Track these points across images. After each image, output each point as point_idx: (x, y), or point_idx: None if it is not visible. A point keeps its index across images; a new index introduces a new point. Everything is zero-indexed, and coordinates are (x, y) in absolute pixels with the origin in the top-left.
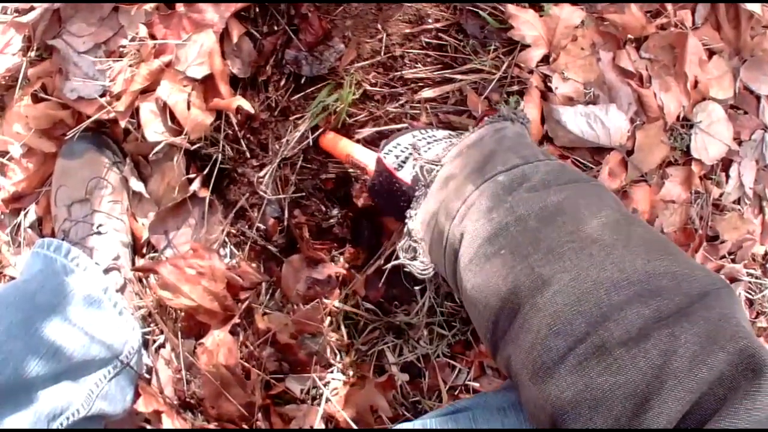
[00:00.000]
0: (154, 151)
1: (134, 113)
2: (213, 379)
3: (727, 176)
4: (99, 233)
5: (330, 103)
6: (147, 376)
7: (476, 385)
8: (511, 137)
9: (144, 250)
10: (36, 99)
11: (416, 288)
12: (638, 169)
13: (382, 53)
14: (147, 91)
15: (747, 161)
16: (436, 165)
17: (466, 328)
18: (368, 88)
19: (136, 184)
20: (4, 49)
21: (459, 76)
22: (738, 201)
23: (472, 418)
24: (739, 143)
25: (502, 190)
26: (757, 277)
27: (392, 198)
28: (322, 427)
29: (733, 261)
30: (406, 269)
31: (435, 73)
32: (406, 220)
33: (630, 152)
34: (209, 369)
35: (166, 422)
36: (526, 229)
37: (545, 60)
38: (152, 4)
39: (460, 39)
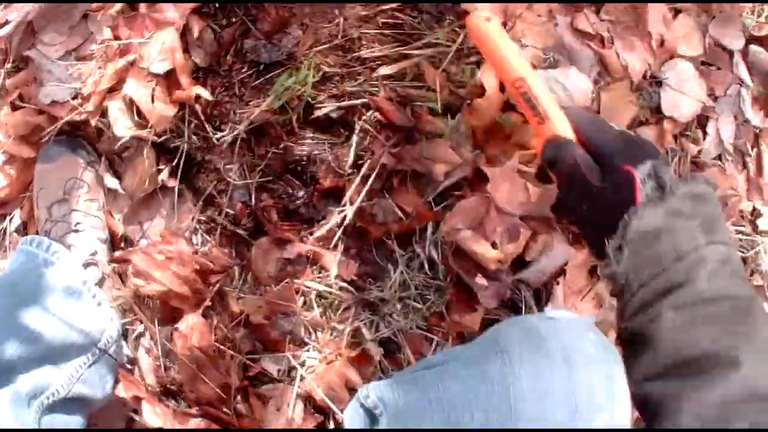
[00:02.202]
0: (118, 144)
1: (104, 112)
2: (188, 362)
3: (705, 133)
4: (77, 231)
5: (291, 85)
6: (129, 366)
7: None
8: (721, 211)
9: (122, 245)
10: (14, 107)
11: (389, 264)
12: None
13: (340, 36)
14: (115, 90)
15: (724, 117)
16: (670, 182)
17: (440, 300)
18: (327, 69)
19: (111, 181)
20: None
21: (415, 52)
22: (719, 158)
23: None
24: (715, 99)
25: (720, 262)
26: (747, 234)
27: (577, 185)
28: (300, 405)
29: None
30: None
31: (392, 50)
32: (632, 217)
33: (597, 112)
34: (184, 353)
35: (147, 409)
36: (730, 312)
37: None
38: (117, 8)
39: (414, 16)
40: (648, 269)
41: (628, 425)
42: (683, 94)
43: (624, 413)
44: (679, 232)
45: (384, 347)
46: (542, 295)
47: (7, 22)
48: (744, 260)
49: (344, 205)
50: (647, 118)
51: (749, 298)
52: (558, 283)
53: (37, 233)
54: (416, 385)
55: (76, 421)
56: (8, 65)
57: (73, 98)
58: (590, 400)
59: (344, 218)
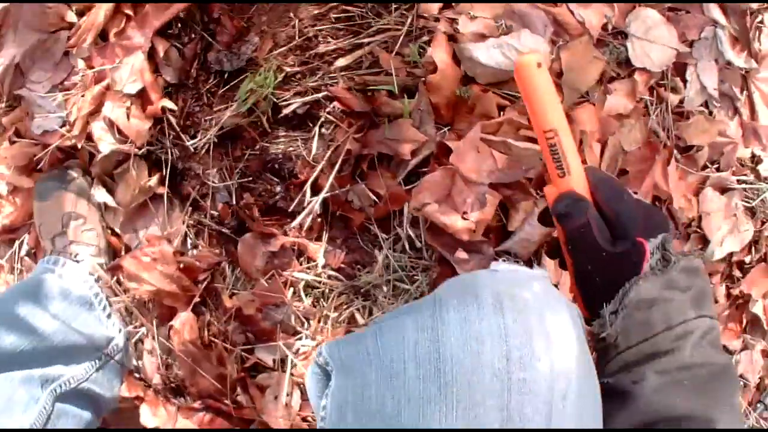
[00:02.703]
0: (99, 156)
1: (91, 136)
2: (185, 357)
3: (684, 81)
4: (77, 261)
5: (255, 88)
6: (136, 375)
7: None
8: (709, 285)
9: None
10: (12, 142)
11: (375, 249)
12: (575, 89)
13: (297, 37)
14: (96, 113)
15: (704, 62)
16: (674, 257)
17: (428, 280)
18: (288, 69)
19: (105, 196)
20: None
21: (367, 40)
22: (706, 105)
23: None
24: (690, 44)
25: (702, 334)
26: (750, 183)
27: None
28: (297, 392)
29: (719, 170)
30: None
31: (345, 42)
32: (633, 286)
33: (560, 74)
34: (180, 348)
35: (145, 410)
36: (706, 377)
37: (450, 6)
38: (89, 41)
39: (362, 7)
40: (638, 334)
41: (572, 373)
42: (652, 42)
43: (566, 361)
44: (671, 303)
45: None
46: (534, 265)
47: None
48: (753, 212)
49: (319, 196)
50: (618, 72)
51: (725, 365)
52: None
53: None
54: (358, 339)
55: (86, 416)
56: (2, 105)
57: (62, 126)
58: (524, 347)
59: (314, 207)
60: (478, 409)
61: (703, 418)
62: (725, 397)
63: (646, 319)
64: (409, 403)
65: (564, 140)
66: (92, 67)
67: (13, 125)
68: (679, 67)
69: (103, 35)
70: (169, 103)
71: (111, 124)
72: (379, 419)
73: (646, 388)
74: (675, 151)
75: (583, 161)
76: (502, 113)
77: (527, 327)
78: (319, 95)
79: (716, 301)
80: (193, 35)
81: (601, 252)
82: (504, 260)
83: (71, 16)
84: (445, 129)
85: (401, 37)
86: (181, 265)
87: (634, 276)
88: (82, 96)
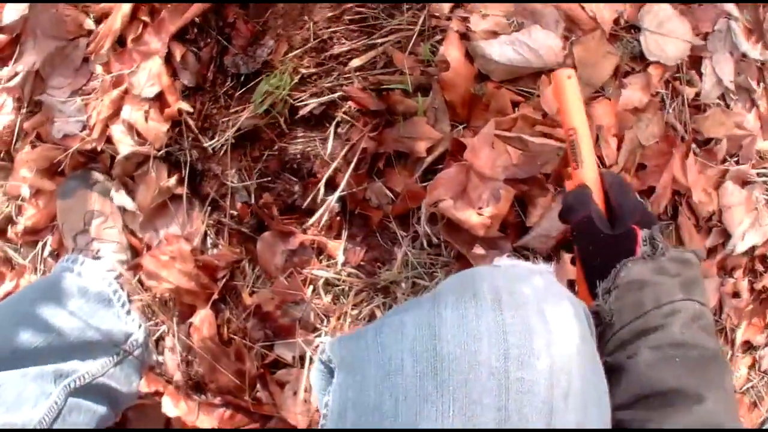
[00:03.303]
0: (119, 157)
1: (111, 139)
2: (204, 353)
3: (700, 74)
4: (98, 257)
5: (271, 90)
6: (157, 371)
7: None
8: (701, 276)
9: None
10: (33, 146)
11: (395, 247)
12: (590, 85)
13: (312, 39)
14: (115, 116)
15: (719, 55)
16: (662, 246)
17: (447, 276)
18: (304, 71)
19: (125, 200)
20: (0, 110)
21: (381, 40)
22: (722, 98)
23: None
24: (704, 37)
25: (692, 317)
26: None
27: (586, 228)
28: None
29: (738, 163)
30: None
31: (359, 43)
32: (624, 266)
33: (574, 69)
34: (200, 345)
35: (167, 401)
36: (696, 358)
37: (462, 5)
38: (107, 47)
39: (374, 8)
40: (630, 312)
41: (574, 368)
42: (666, 36)
43: (567, 357)
44: (661, 285)
45: None
46: (553, 261)
47: (16, 74)
48: None
49: (335, 193)
50: (632, 67)
51: (716, 351)
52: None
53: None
54: (359, 335)
55: (101, 410)
56: (24, 110)
57: (82, 130)
58: (523, 344)
59: (330, 204)
60: (474, 408)
61: (693, 393)
62: (715, 378)
63: (637, 299)
64: (406, 401)
65: (582, 138)
66: (110, 72)
67: (34, 130)
68: (695, 60)
69: (120, 41)
70: (185, 105)
71: (130, 127)
72: (378, 417)
73: (640, 362)
74: (693, 145)
75: (599, 156)
76: (516, 109)
77: (526, 323)
78: (335, 95)
79: (739, 296)
80: (209, 39)
81: (600, 234)
82: (508, 256)
83: (89, 24)
84: (461, 127)
85: (414, 37)
86: (200, 263)
87: (627, 257)
88: (101, 100)
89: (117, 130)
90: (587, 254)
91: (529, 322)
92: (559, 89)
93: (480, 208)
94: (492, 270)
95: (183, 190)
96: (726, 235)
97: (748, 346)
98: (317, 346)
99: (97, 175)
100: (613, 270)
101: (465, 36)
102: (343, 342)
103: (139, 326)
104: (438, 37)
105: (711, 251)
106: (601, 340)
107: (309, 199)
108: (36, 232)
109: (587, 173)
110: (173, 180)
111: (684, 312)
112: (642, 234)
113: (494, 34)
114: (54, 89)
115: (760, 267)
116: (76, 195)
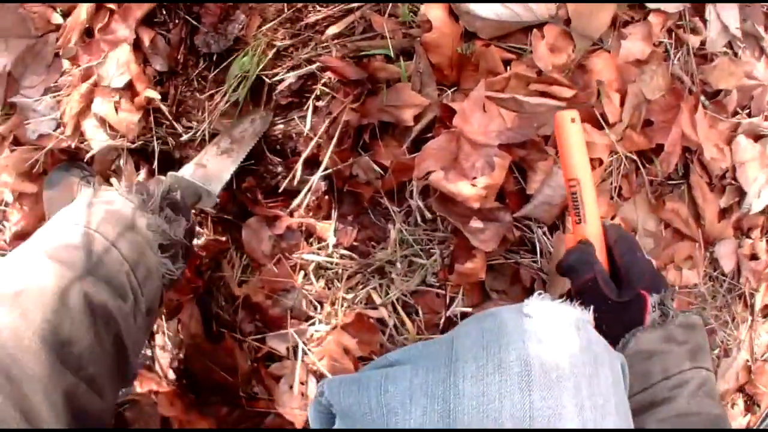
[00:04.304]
0: (92, 152)
1: (83, 135)
2: (194, 350)
3: (704, 21)
4: None
5: (247, 68)
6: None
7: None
8: (707, 340)
9: None
10: (12, 150)
11: (389, 224)
12: (586, 37)
13: (286, 9)
14: (87, 111)
15: None
16: (672, 312)
17: (446, 252)
18: (279, 44)
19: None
20: None
21: (357, 4)
22: (730, 46)
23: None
24: None
25: (699, 385)
26: None
27: (589, 291)
28: (312, 380)
29: (750, 116)
30: None
31: (335, 9)
32: (633, 336)
33: (568, 22)
34: (189, 342)
35: (162, 401)
36: (702, 422)
37: None
38: (74, 40)
39: None
40: (638, 383)
41: None
42: None
43: None
44: (669, 355)
45: (404, 309)
46: (558, 231)
47: None
48: None
49: (318, 172)
50: (631, 16)
51: (720, 415)
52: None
53: None
54: (361, 385)
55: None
56: None
57: (56, 129)
58: (552, 427)
59: (313, 184)
60: None
61: None
62: None
63: (645, 369)
64: None
65: (585, 191)
66: (78, 65)
67: (11, 133)
68: (698, 7)
69: (90, 33)
70: (152, 93)
71: (102, 121)
72: None
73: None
74: (702, 97)
75: (602, 114)
76: (508, 68)
77: (557, 407)
78: (312, 67)
79: (757, 258)
80: (176, 20)
81: (607, 300)
82: (539, 294)
83: (57, 18)
84: (450, 91)
85: None
86: None
87: (635, 326)
88: (71, 96)
89: (89, 125)
90: (593, 319)
91: (561, 405)
92: (562, 133)
93: (474, 179)
94: (521, 325)
95: None
96: (741, 193)
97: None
98: (311, 336)
99: (82, 165)
100: (622, 340)
101: None
102: (344, 391)
103: None
104: None
105: (726, 211)
106: None
107: (295, 180)
108: (24, 236)
109: (590, 229)
110: (143, 174)
111: (691, 382)
112: (651, 300)
113: None
114: (27, 89)
115: None
116: (61, 185)
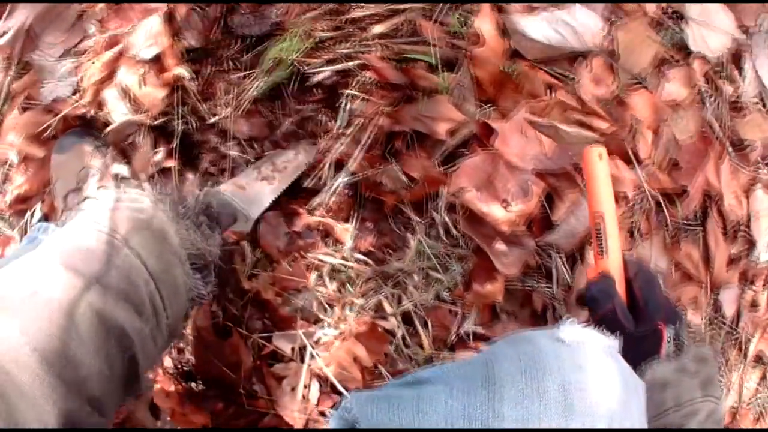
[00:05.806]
0: (108, 129)
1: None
2: (197, 343)
3: (740, 70)
4: None
5: (282, 55)
6: None
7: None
8: (716, 372)
9: None
10: (23, 110)
11: (408, 234)
12: (628, 72)
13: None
14: (109, 80)
15: (760, 50)
16: (686, 344)
17: (464, 270)
18: (320, 35)
19: (118, 168)
20: None
21: (406, 6)
22: (760, 97)
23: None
24: (746, 32)
25: (707, 415)
26: None
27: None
28: (315, 385)
29: None
30: None
31: (382, 7)
32: (649, 367)
33: (612, 53)
34: (192, 334)
35: (158, 390)
36: None
37: None
38: (102, 3)
39: None
40: (651, 411)
41: None
42: (709, 26)
43: None
44: (682, 385)
45: (410, 322)
46: (577, 262)
47: (6, 31)
48: None
49: (345, 176)
50: (671, 55)
51: None
52: (590, 246)
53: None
54: (391, 403)
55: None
56: (12, 72)
57: (73, 94)
58: None
59: (336, 186)
60: None
61: None
62: None
63: (659, 399)
64: None
65: (609, 225)
66: (105, 31)
67: (24, 91)
68: (736, 56)
69: None
70: (185, 71)
71: (124, 92)
72: None
73: None
74: (728, 146)
75: (633, 152)
76: (551, 93)
77: None
78: (351, 63)
79: (757, 307)
80: None
81: (624, 331)
82: (569, 318)
83: None
84: (487, 108)
85: (443, 5)
86: None
87: (651, 356)
88: (93, 62)
89: (110, 96)
90: None
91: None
92: (589, 168)
93: (505, 201)
94: (557, 352)
95: (174, 162)
96: (751, 244)
97: (760, 360)
98: (319, 339)
99: (97, 133)
100: (638, 369)
101: (499, 8)
102: (374, 408)
103: None
104: (469, 7)
105: (734, 259)
106: None
107: (320, 179)
108: (26, 200)
109: (611, 262)
110: (162, 154)
111: (701, 412)
112: (667, 333)
113: (532, 9)
114: (45, 48)
115: None
116: (71, 151)
